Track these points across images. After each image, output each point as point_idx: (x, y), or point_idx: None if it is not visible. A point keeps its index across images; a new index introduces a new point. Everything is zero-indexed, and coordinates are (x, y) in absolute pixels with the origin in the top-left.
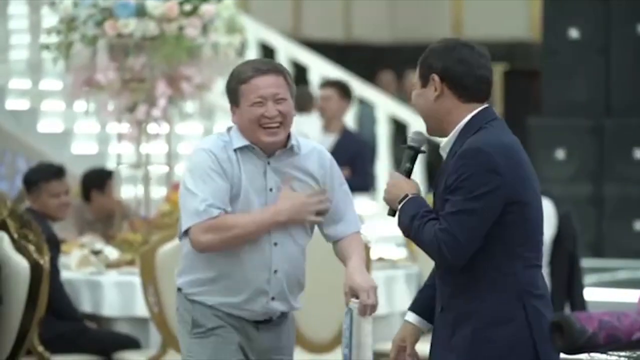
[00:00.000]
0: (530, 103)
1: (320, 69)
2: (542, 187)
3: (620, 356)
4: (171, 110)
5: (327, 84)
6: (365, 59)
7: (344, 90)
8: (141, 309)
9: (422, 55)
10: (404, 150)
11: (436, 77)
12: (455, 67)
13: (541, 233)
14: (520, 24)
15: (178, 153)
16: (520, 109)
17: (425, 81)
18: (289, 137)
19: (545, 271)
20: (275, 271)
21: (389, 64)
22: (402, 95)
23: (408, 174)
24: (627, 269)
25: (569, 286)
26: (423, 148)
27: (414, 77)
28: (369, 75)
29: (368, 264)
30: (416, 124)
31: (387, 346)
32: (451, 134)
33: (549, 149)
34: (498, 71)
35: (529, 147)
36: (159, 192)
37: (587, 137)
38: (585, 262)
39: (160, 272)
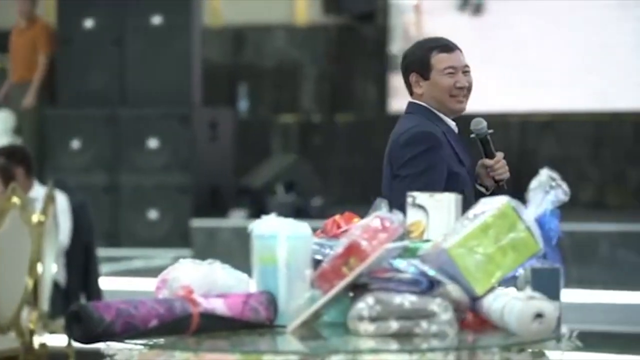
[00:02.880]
0: (46, 92)
1: None
2: (57, 179)
3: (136, 344)
4: None
5: None
6: None
7: None
8: None
9: None
10: (476, 142)
11: None
12: None
13: None
14: None
15: None
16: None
17: None
18: None
19: (61, 262)
20: None
21: None
22: None
23: (493, 155)
24: (142, 258)
25: (85, 276)
26: (488, 131)
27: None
28: None
29: None
30: None
31: None
32: None
33: (64, 139)
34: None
35: (45, 137)
36: None
37: (103, 127)
38: (101, 252)
39: None
